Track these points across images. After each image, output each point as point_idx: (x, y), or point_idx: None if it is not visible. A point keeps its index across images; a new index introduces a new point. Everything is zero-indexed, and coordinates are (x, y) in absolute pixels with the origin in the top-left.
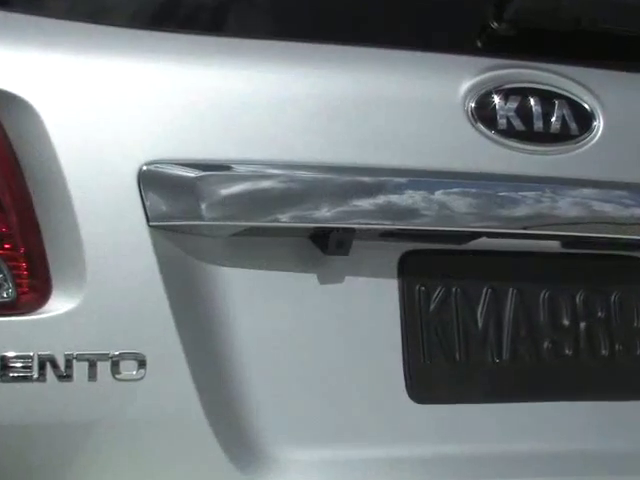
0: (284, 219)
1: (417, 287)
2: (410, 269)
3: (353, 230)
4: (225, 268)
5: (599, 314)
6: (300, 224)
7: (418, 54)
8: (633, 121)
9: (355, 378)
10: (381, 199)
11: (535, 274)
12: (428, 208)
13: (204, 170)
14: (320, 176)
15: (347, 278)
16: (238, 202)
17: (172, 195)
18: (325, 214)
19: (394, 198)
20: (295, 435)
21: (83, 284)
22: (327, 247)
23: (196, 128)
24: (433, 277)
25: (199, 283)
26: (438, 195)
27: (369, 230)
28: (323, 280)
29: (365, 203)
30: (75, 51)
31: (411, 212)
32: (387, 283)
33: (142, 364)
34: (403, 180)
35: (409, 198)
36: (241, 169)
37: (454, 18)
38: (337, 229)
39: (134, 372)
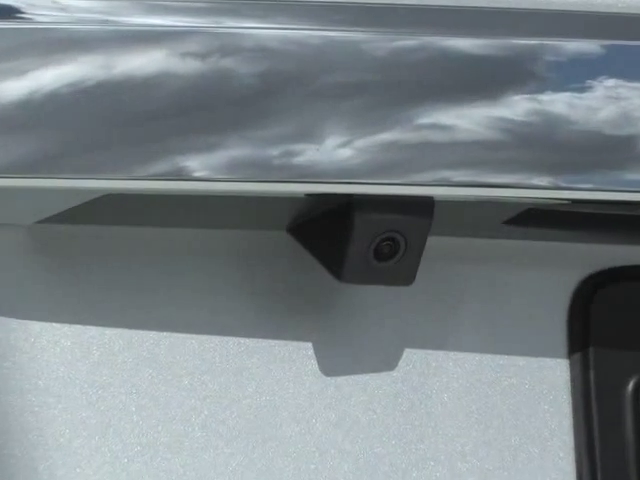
0: (210, 171)
1: (630, 384)
2: (604, 328)
3: (428, 206)
4: (16, 322)
5: None
6: (261, 184)
7: None
8: None
9: None
10: (536, 108)
11: None
12: None
13: None
14: (328, 36)
15: (410, 355)
16: (62, 117)
17: None
18: (338, 156)
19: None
20: None
21: None
22: (346, 263)
23: None
24: None
25: None
26: None
27: (490, 207)
28: (335, 363)
29: (475, 114)
30: None
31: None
32: (537, 369)
33: None
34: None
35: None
36: (63, 15)
37: None
38: (380, 200)
39: None
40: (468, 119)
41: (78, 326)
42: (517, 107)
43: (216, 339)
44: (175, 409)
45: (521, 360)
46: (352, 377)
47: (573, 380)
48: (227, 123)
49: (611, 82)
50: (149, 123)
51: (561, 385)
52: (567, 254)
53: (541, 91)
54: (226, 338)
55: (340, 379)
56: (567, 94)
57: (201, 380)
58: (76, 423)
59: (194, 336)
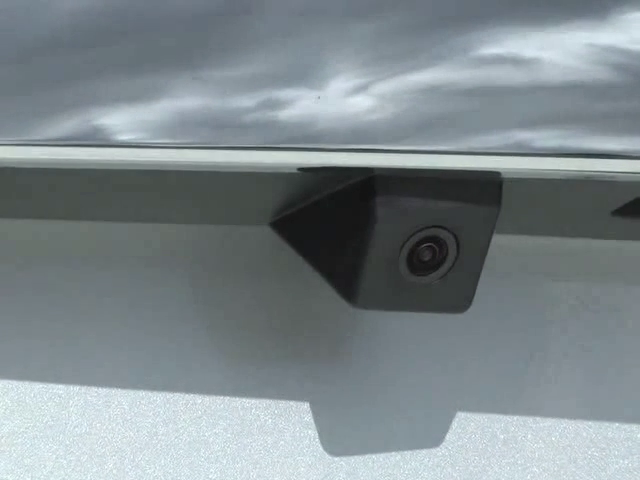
0: (142, 133)
1: None
2: None
3: (492, 187)
4: None
5: None
6: (227, 152)
7: None
8: None
9: None
10: None
11: None
12: None
13: None
14: None
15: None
16: None
17: None
18: (349, 108)
19: None
20: None
21: None
22: (363, 278)
23: None
24: None
25: None
26: None
27: (591, 189)
28: (346, 434)
29: (565, 42)
30: None
31: None
32: None
33: None
34: None
35: None
36: None
37: None
38: (415, 179)
39: None
40: (555, 50)
41: None
42: (631, 31)
43: (161, 395)
44: None
45: None
46: (372, 457)
47: None
48: (170, 57)
49: None
50: (46, 58)
51: None
52: None
53: None
54: (175, 395)
55: (354, 460)
56: None
57: (134, 462)
58: None
59: (124, 392)
